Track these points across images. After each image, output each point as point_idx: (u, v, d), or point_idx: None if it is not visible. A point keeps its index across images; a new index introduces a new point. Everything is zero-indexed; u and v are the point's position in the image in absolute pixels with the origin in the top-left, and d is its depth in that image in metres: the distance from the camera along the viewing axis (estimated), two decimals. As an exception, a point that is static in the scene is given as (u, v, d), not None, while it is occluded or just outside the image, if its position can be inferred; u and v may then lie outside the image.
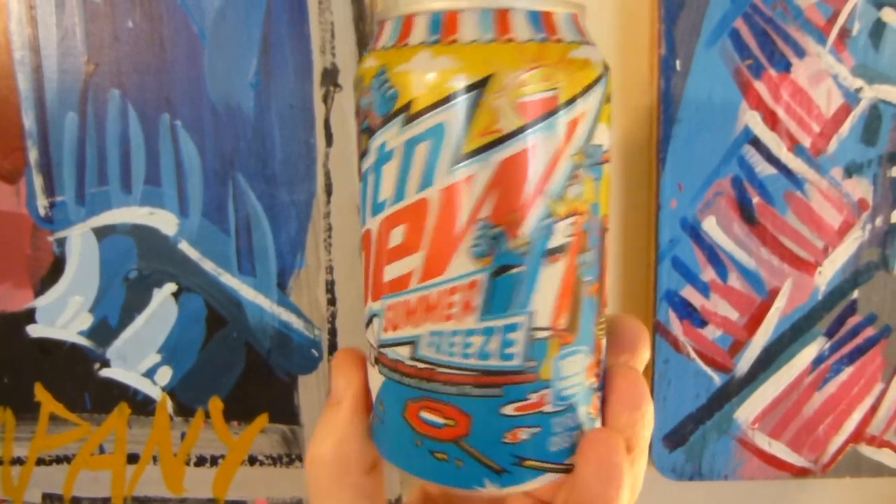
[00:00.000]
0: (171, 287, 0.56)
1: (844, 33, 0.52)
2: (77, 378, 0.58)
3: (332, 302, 0.56)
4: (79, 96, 0.55)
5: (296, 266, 0.55)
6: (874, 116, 0.53)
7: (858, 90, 0.52)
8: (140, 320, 0.57)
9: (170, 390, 0.58)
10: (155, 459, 0.59)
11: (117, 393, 0.58)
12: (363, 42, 0.52)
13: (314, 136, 0.54)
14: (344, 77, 0.53)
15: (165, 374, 0.58)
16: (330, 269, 0.55)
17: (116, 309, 0.57)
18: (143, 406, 0.58)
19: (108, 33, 0.54)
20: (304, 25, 0.53)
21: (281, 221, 0.55)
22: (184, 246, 0.56)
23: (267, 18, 0.53)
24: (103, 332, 0.58)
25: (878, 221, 0.54)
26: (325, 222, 0.55)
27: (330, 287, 0.55)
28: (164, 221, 0.56)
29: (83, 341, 0.58)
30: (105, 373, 0.58)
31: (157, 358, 0.58)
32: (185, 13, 0.53)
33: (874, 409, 0.56)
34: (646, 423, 0.31)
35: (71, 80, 0.54)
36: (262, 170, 0.54)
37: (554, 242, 0.27)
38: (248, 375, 0.57)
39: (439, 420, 0.28)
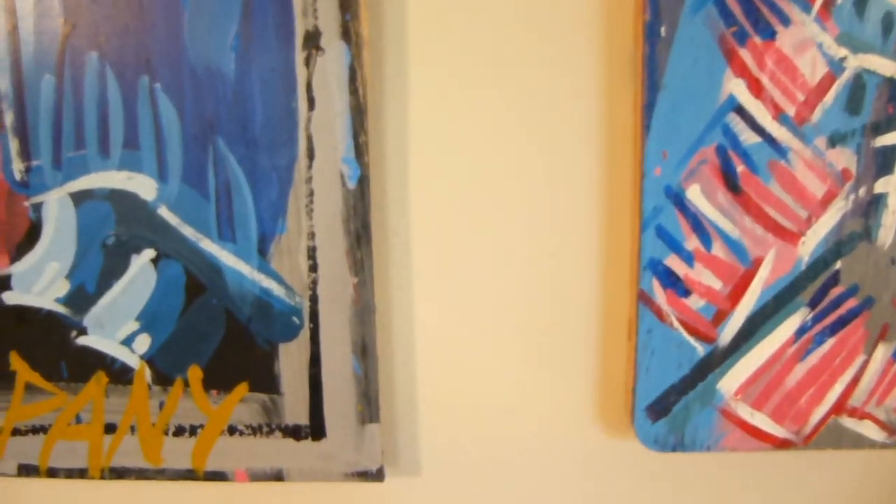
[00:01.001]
0: (149, 253, 0.56)
1: (829, 2, 0.52)
2: (53, 346, 0.57)
3: (313, 268, 0.55)
4: (56, 58, 0.54)
5: (277, 231, 0.55)
6: (858, 86, 0.53)
7: (843, 59, 0.52)
8: (118, 287, 0.56)
9: (148, 358, 0.57)
10: (133, 429, 0.58)
11: (94, 361, 0.57)
12: (346, 5, 0.52)
13: (296, 99, 0.53)
14: (326, 40, 0.52)
15: (144, 342, 0.57)
16: (311, 235, 0.55)
17: (94, 275, 0.56)
18: (120, 375, 0.57)
19: (86, -7, 0.53)
20: (286, -13, 0.52)
21: (262, 186, 0.54)
22: (163, 211, 0.55)
23: (248, -21, 0.52)
24: (80, 298, 0.57)
25: (862, 192, 0.54)
26: (307, 187, 0.54)
27: (311, 253, 0.55)
28: (143, 186, 0.55)
29: (60, 308, 0.57)
30: (82, 340, 0.57)
31: (135, 325, 0.57)
32: (165, -27, 0.52)
33: (856, 380, 0.56)
34: None
35: (47, 41, 0.53)
36: (243, 134, 0.54)
37: None
38: (227, 343, 0.56)
39: None
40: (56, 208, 0.56)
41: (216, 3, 0.52)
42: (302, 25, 0.52)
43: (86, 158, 0.55)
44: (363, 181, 0.53)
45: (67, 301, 0.57)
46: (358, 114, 0.53)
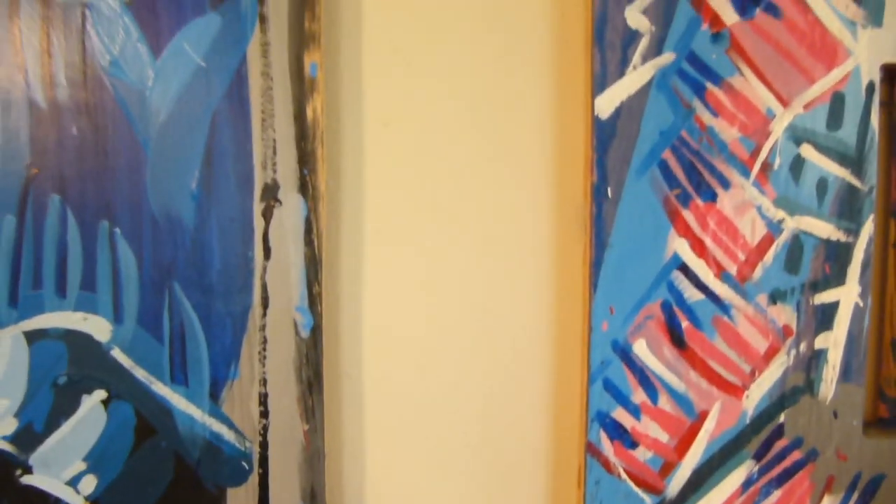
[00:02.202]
0: (100, 394, 0.55)
1: (767, 167, 0.54)
2: (-3, 485, 0.56)
3: (264, 414, 0.55)
4: (18, 199, 0.55)
5: (229, 377, 0.55)
6: (796, 246, 0.55)
7: (781, 221, 0.55)
8: (67, 427, 0.56)
9: (93, 500, 0.56)
10: (73, 572, 0.57)
11: (38, 502, 0.56)
12: (304, 160, 0.53)
13: (252, 248, 0.54)
14: (284, 192, 0.54)
15: (90, 483, 0.56)
16: (263, 382, 0.55)
17: (43, 414, 0.56)
18: (64, 516, 0.56)
19: (52, 139, 0.54)
20: (246, 141, 0.54)
21: (216, 332, 0.55)
22: (116, 353, 0.55)
23: (210, 132, 0.54)
24: (28, 437, 0.56)
25: (803, 347, 0.56)
26: (261, 335, 0.55)
27: (263, 399, 0.55)
28: (98, 327, 0.55)
29: (6, 446, 0.56)
30: (26, 480, 0.56)
31: (82, 466, 0.56)
32: (130, 124, 0.54)
33: (803, 531, 0.57)
34: None
35: (12, 183, 0.54)
36: (200, 280, 0.54)
37: None
38: (175, 486, 0.56)
39: None
40: (9, 346, 0.56)
41: (178, 153, 0.54)
42: (261, 178, 0.54)
43: (42, 298, 0.55)
44: (316, 330, 0.54)
45: (14, 439, 0.56)
46: (313, 265, 0.54)
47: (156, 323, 0.55)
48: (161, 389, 0.55)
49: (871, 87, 0.54)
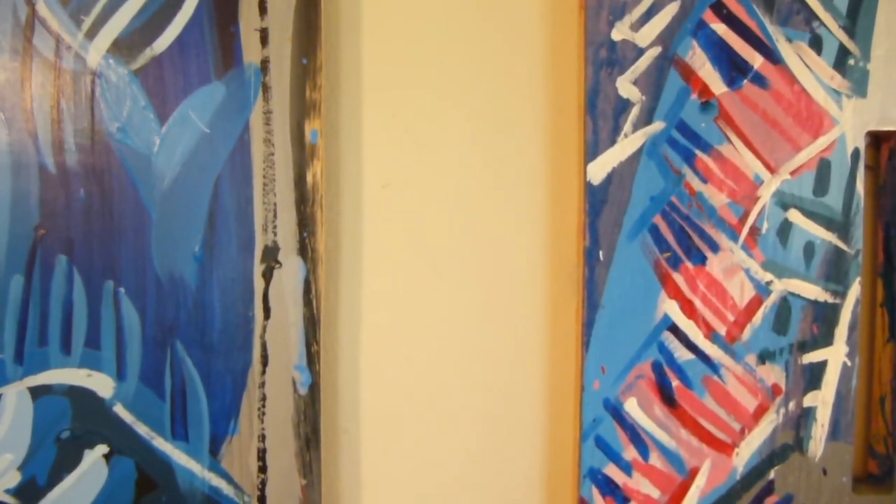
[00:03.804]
0: (102, 449, 0.57)
1: (755, 231, 0.56)
2: (0, 537, 0.57)
3: (262, 469, 0.56)
4: (27, 259, 0.56)
5: (229, 433, 0.56)
6: (784, 308, 0.56)
7: (769, 283, 0.56)
8: (69, 481, 0.57)
9: (94, 554, 0.57)
10: None
11: (40, 554, 0.57)
12: (303, 223, 0.55)
13: (252, 308, 0.56)
14: (284, 254, 0.55)
15: (91, 537, 0.57)
16: (262, 438, 0.56)
17: (46, 468, 0.57)
18: (65, 569, 0.57)
19: (60, 202, 0.56)
20: (248, 205, 0.55)
21: (216, 389, 0.56)
22: (119, 409, 0.56)
23: (214, 196, 0.55)
24: (31, 491, 0.57)
25: (792, 406, 0.57)
26: (260, 392, 0.56)
27: (261, 455, 0.56)
28: (101, 384, 0.56)
29: (9, 500, 0.57)
30: (29, 533, 0.57)
31: (84, 519, 0.57)
32: (136, 188, 0.55)
33: (793, 588, 0.57)
34: None
35: (21, 243, 0.56)
36: (201, 338, 0.56)
37: None
38: (174, 541, 0.57)
39: None
40: (14, 401, 0.57)
41: (182, 216, 0.55)
42: (262, 240, 0.55)
43: (47, 354, 0.57)
44: (314, 388, 0.55)
45: (17, 493, 0.57)
46: (311, 324, 0.55)
47: (158, 380, 0.56)
48: (162, 445, 0.56)
49: (856, 154, 0.56)
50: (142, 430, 0.56)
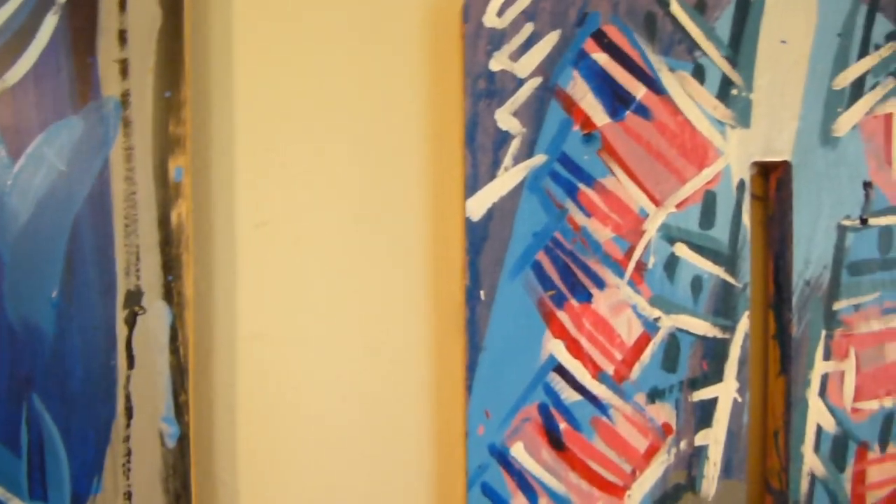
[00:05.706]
0: (-45, 511, 0.53)
1: (641, 266, 0.54)
2: None
3: (129, 529, 0.53)
4: None
5: (92, 491, 0.53)
6: (673, 344, 0.55)
7: (657, 319, 0.55)
8: (-81, 547, 0.53)
9: None
10: None
11: None
12: (168, 266, 0.52)
13: (115, 357, 0.52)
14: (148, 300, 0.52)
15: None
16: (128, 495, 0.53)
17: None
18: None
19: None
20: (109, 247, 0.52)
21: (77, 444, 0.52)
22: (-29, 468, 0.53)
23: (71, 238, 0.52)
24: None
25: (683, 445, 0.55)
26: (125, 446, 0.52)
27: (127, 513, 0.53)
28: (-48, 441, 0.53)
29: None
30: None
31: (-64, 587, 0.53)
32: (-13, 230, 0.52)
33: None
34: None
35: None
36: (60, 391, 0.52)
37: None
38: None
39: None
40: None
41: (38, 260, 0.52)
42: (124, 284, 0.52)
43: None
44: (183, 440, 0.52)
45: None
46: (179, 373, 0.52)
47: (13, 436, 0.52)
48: (19, 506, 0.53)
49: (741, 186, 0.55)
50: (-3, 490, 0.53)
